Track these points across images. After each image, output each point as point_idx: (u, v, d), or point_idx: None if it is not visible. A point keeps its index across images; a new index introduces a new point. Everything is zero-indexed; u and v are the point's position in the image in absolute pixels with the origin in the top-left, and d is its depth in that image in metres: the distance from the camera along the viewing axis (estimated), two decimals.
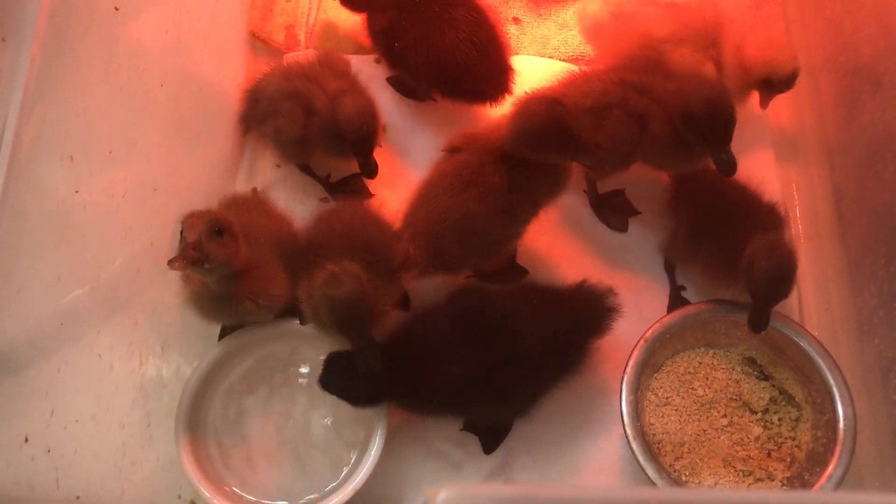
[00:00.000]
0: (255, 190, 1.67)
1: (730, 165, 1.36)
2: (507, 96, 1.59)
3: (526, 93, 1.46)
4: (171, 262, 1.17)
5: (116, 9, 1.21)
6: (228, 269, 1.26)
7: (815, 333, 1.47)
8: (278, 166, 1.71)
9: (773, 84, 1.55)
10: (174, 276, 1.37)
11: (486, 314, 1.36)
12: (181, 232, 1.21)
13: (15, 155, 0.98)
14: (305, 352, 1.51)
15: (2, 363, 0.99)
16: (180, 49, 1.44)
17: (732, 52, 1.55)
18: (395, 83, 1.75)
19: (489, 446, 1.47)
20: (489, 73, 1.59)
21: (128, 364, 1.27)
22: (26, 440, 1.02)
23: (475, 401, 1.35)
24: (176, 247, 1.22)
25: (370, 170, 1.51)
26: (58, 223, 1.09)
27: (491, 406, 1.36)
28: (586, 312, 1.43)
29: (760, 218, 1.44)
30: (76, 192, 1.12)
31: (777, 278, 1.34)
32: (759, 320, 1.36)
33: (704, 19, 1.53)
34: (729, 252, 1.42)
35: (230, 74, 1.69)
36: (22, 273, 1.02)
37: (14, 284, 1.00)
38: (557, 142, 1.35)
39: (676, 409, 1.48)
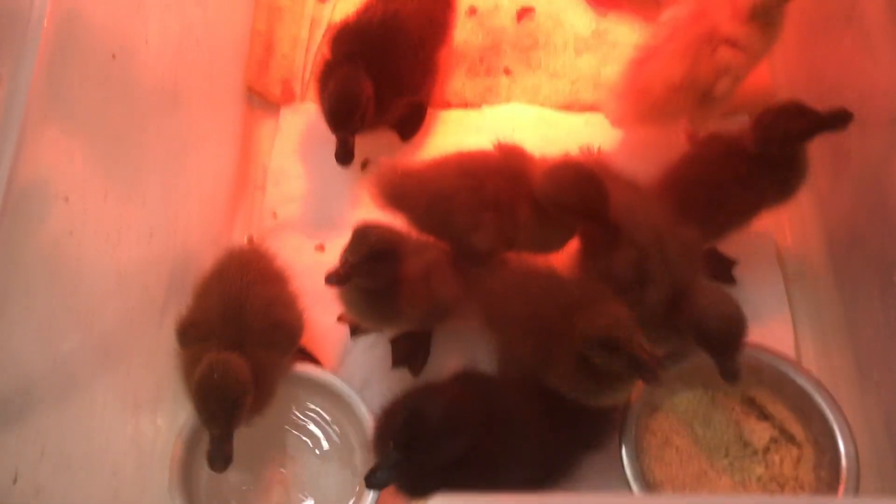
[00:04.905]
0: (251, 240, 1.68)
1: (735, 374, 1.31)
2: None
3: (565, 155, 1.47)
4: (214, 467, 1.22)
5: (114, 56, 1.24)
6: None
7: (814, 373, 1.47)
8: (275, 215, 1.73)
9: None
10: (169, 322, 1.38)
11: (489, 403, 1.34)
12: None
13: (9, 193, 0.99)
14: (301, 397, 1.51)
15: None
16: (177, 99, 1.47)
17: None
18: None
19: None
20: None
21: (121, 408, 1.27)
22: (15, 480, 1.01)
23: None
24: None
25: None
26: (51, 263, 1.10)
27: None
28: (586, 427, 1.41)
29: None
30: (70, 233, 1.13)
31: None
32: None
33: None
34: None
35: (227, 126, 1.72)
36: (14, 311, 1.02)
37: (6, 322, 1.00)
38: (578, 212, 1.38)
39: (677, 450, 1.46)
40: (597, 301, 1.33)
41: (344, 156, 1.58)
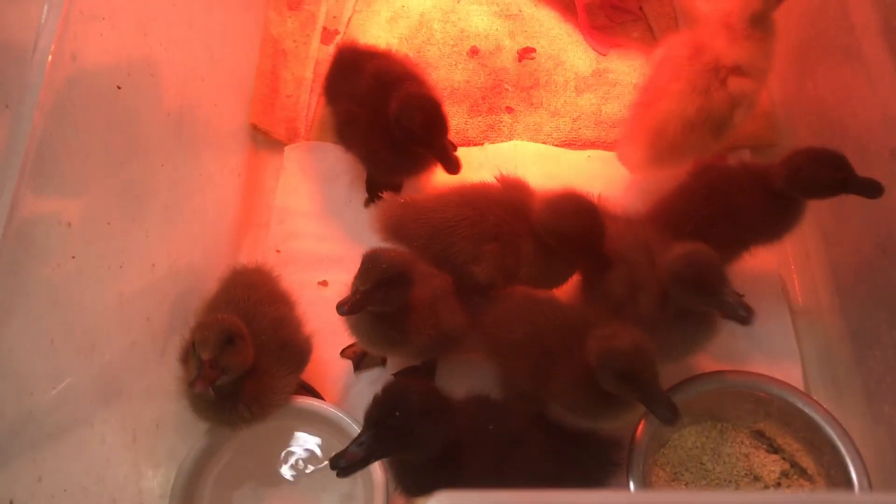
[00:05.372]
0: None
1: (743, 315, 1.27)
2: None
3: (566, 188, 1.44)
4: (192, 386, 1.21)
5: (119, 87, 1.26)
6: (241, 372, 1.29)
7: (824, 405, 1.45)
8: (278, 252, 1.73)
9: None
10: (171, 353, 1.37)
11: (495, 427, 1.33)
12: (192, 346, 1.24)
13: (12, 216, 1.00)
14: (304, 430, 1.49)
15: None
16: (181, 134, 1.48)
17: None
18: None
19: None
20: None
21: (120, 438, 1.25)
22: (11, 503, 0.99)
23: None
24: (189, 347, 1.27)
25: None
26: (52, 287, 1.09)
27: None
28: (589, 463, 1.39)
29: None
30: (72, 257, 1.13)
31: (827, 158, 1.37)
32: (867, 188, 1.36)
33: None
34: None
35: (231, 163, 1.73)
36: (13, 333, 1.01)
37: (4, 343, 1.00)
38: (576, 244, 1.38)
39: (686, 486, 1.44)
40: (594, 323, 1.32)
41: (453, 164, 1.53)
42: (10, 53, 1.07)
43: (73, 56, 1.15)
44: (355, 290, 1.27)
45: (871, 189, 1.37)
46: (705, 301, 1.30)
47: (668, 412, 1.18)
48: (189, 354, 1.28)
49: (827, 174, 1.39)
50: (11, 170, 1.01)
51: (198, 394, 1.26)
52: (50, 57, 1.10)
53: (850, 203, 1.56)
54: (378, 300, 1.28)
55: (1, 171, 1.00)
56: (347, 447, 1.14)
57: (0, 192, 0.99)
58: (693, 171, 1.55)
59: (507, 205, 1.44)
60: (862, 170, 1.51)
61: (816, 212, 1.68)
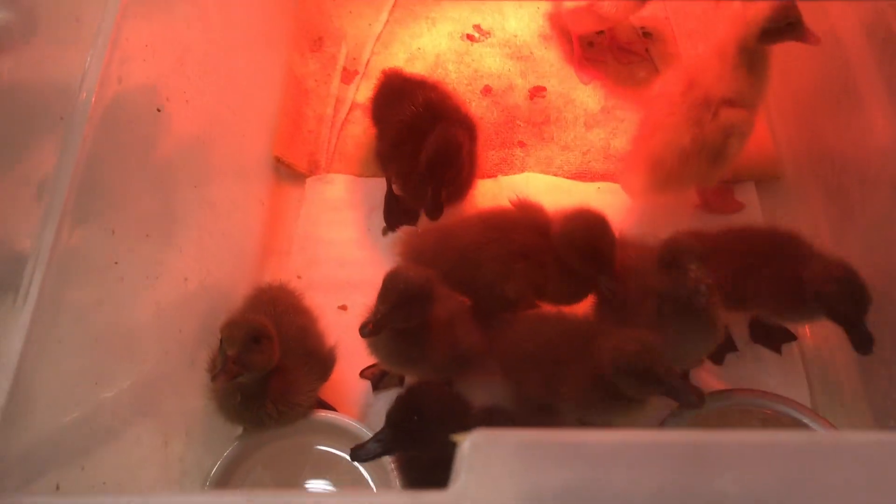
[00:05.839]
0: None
1: (869, 340, 1.37)
2: None
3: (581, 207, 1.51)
4: (215, 379, 1.27)
5: (159, 110, 1.34)
6: (264, 372, 1.34)
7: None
8: (299, 277, 1.79)
9: (777, 27, 1.54)
10: (199, 365, 1.42)
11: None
12: (220, 342, 1.29)
13: (64, 215, 1.07)
14: (324, 446, 1.52)
15: (41, 409, 1.03)
16: (211, 160, 1.56)
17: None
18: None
19: None
20: None
21: (153, 442, 1.30)
22: (58, 488, 1.04)
23: None
24: (216, 355, 1.32)
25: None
26: (97, 289, 1.16)
27: None
28: None
29: None
30: (115, 263, 1.20)
31: (853, 292, 1.38)
32: (860, 341, 1.37)
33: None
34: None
35: (255, 192, 1.80)
36: (63, 328, 1.07)
37: (55, 336, 1.06)
38: (588, 255, 1.44)
39: None
40: (598, 328, 1.38)
41: (434, 209, 1.59)
42: (66, 72, 1.16)
43: (118, 78, 1.24)
44: (376, 310, 1.32)
45: (864, 344, 1.38)
46: (675, 279, 1.34)
47: (692, 396, 1.23)
48: (216, 358, 1.32)
49: (845, 306, 1.40)
50: (65, 173, 1.09)
51: (225, 394, 1.30)
52: (99, 77, 1.19)
53: (853, 228, 1.63)
54: (399, 319, 1.33)
55: (56, 175, 1.08)
56: (367, 442, 1.22)
57: (54, 193, 1.07)
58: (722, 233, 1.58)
59: (528, 225, 1.51)
60: (863, 198, 1.57)
61: (819, 237, 1.74)
